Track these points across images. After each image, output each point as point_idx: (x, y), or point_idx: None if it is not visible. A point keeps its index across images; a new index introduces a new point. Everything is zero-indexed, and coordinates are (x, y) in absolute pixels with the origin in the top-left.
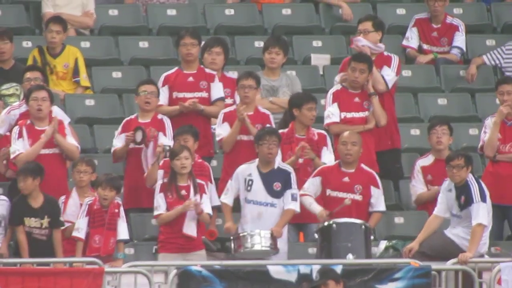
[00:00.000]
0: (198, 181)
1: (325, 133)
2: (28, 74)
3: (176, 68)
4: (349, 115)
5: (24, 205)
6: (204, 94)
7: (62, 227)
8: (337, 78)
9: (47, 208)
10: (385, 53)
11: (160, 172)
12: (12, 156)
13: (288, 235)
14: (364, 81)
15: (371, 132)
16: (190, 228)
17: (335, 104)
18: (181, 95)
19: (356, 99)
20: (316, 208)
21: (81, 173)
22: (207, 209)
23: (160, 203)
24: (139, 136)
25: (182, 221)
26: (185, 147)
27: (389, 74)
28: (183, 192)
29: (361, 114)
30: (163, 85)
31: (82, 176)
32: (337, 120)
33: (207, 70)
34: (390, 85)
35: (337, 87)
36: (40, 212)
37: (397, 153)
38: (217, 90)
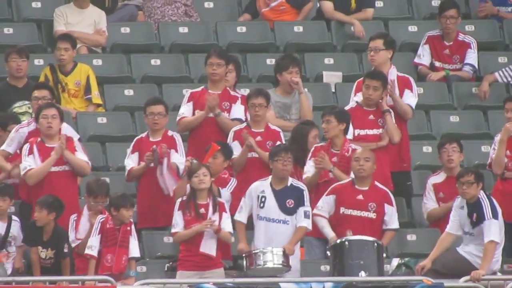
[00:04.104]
0: (219, 199)
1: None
2: (36, 93)
3: (202, 86)
4: (363, 132)
5: (36, 234)
6: (225, 115)
7: (66, 257)
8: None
9: (53, 241)
10: (400, 74)
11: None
12: (22, 173)
13: (313, 251)
14: (378, 99)
15: (386, 150)
16: (208, 247)
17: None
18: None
19: (371, 117)
20: (329, 234)
21: (99, 204)
22: (227, 227)
23: (178, 221)
24: (156, 156)
25: (200, 239)
26: (202, 164)
27: (412, 98)
28: (202, 210)
29: (375, 132)
30: (188, 101)
31: (100, 208)
32: (350, 137)
33: (232, 93)
34: (414, 106)
35: (352, 104)
36: (46, 244)
37: (408, 172)
38: (237, 110)
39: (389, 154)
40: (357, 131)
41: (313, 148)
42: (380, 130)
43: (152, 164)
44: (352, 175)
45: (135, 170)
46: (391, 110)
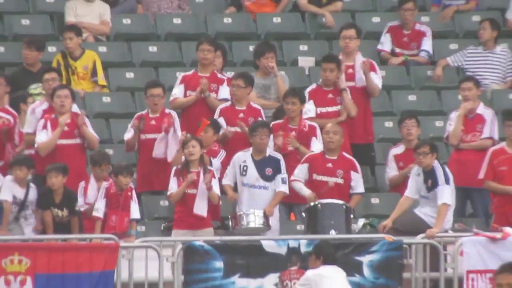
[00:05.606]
0: (209, 167)
1: (316, 126)
2: (46, 76)
3: (193, 70)
4: (324, 109)
5: (50, 198)
6: (213, 95)
7: (77, 215)
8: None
9: (65, 202)
10: (365, 59)
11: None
12: (36, 145)
13: (279, 214)
14: (334, 79)
15: (345, 124)
16: (200, 209)
17: (311, 101)
18: (193, 94)
19: (330, 95)
20: (306, 192)
21: (104, 172)
22: (215, 190)
23: (172, 185)
24: (143, 124)
25: (193, 202)
26: (193, 137)
27: (378, 79)
28: (194, 176)
29: (334, 108)
30: (180, 83)
31: (105, 174)
32: (313, 115)
33: (219, 75)
34: (380, 87)
35: (312, 86)
36: (60, 205)
37: (371, 144)
38: (224, 91)
39: (350, 128)
40: (319, 109)
41: (271, 125)
42: (339, 107)
43: (143, 136)
44: (312, 147)
45: (129, 139)
46: (347, 89)
